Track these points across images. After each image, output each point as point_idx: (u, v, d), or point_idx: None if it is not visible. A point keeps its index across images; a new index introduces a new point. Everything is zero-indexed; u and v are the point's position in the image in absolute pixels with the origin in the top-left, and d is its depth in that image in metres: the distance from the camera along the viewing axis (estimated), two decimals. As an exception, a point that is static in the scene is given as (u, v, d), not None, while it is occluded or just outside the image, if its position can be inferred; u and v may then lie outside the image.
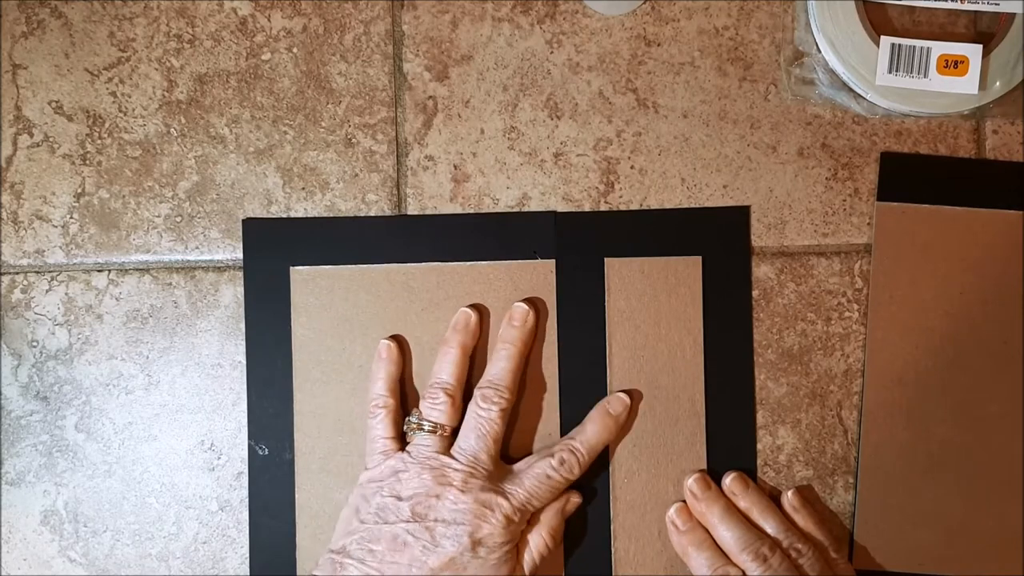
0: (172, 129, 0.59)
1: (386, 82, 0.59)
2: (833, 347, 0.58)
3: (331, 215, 0.58)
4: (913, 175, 0.58)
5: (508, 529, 0.52)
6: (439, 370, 0.55)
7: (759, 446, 0.58)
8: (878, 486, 0.57)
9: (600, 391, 0.57)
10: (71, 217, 0.59)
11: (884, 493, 0.57)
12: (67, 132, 0.59)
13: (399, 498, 0.52)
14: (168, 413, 0.58)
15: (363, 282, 0.58)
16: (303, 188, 0.59)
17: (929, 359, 0.57)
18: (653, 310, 0.57)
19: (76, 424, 0.58)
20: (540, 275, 0.58)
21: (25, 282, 0.59)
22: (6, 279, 0.59)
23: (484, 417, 0.53)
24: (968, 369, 0.57)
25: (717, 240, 0.58)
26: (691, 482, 0.56)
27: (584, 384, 0.57)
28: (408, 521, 0.51)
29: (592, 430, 0.55)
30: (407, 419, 0.55)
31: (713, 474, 0.57)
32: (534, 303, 0.57)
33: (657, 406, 0.57)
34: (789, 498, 0.56)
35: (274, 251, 0.58)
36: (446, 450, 0.53)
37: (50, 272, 0.59)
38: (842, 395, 0.58)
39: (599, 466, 0.57)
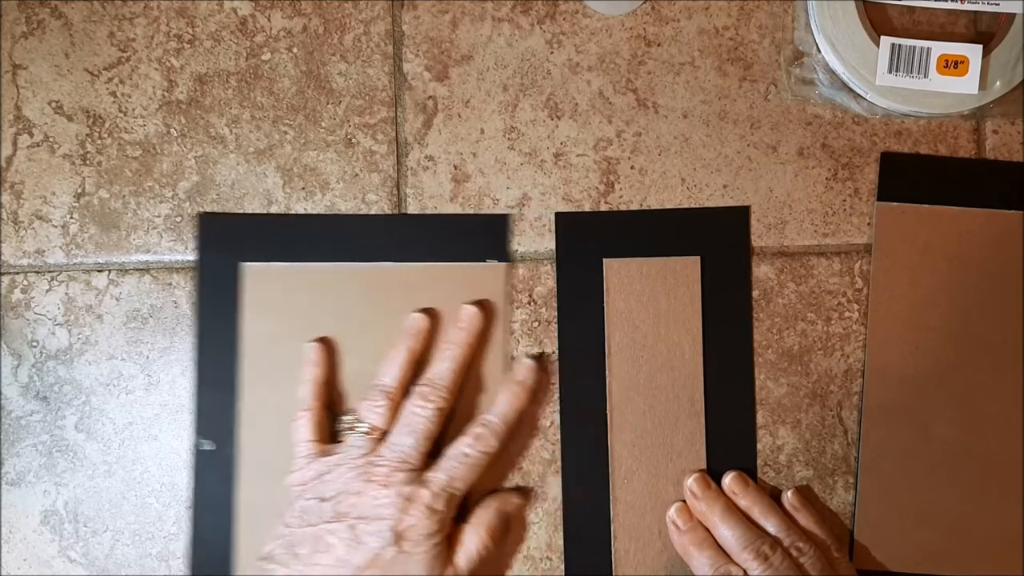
0: (172, 129, 0.59)
1: (386, 82, 0.59)
2: (833, 347, 0.58)
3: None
4: (913, 175, 0.58)
5: (432, 519, 0.51)
6: (383, 372, 0.55)
7: (759, 446, 0.58)
8: (878, 486, 0.57)
9: (600, 391, 0.57)
10: (71, 217, 0.59)
11: (884, 493, 0.57)
12: (67, 132, 0.59)
13: (322, 499, 0.52)
14: (168, 413, 0.58)
15: (314, 280, 0.58)
16: (303, 188, 0.59)
17: (929, 359, 0.57)
18: (652, 310, 0.57)
19: (76, 424, 0.58)
20: (491, 278, 0.58)
21: (25, 282, 0.59)
22: (6, 279, 0.59)
23: (419, 415, 0.53)
24: (968, 369, 0.57)
25: (717, 240, 0.58)
26: (691, 481, 0.56)
27: (584, 384, 0.57)
28: (330, 521, 0.51)
29: (502, 399, 0.55)
30: (341, 418, 0.55)
31: (713, 474, 0.57)
32: (484, 306, 0.57)
33: (657, 406, 0.57)
34: (789, 497, 0.56)
35: (227, 246, 0.58)
36: (375, 451, 0.53)
37: (50, 272, 0.59)
38: (842, 395, 0.58)
39: (599, 464, 0.57)
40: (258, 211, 0.58)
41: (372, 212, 0.58)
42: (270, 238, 0.58)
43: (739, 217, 0.58)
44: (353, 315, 0.57)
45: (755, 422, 0.58)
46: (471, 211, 0.58)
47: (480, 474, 0.54)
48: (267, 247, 0.58)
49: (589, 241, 0.58)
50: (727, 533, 0.54)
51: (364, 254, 0.58)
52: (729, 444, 0.57)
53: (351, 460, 0.53)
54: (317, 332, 0.57)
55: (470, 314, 0.56)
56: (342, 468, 0.52)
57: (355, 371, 0.57)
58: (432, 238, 0.58)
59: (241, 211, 0.58)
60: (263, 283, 0.57)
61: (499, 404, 0.55)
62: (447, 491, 0.52)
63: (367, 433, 0.53)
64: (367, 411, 0.54)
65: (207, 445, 0.57)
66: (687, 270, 0.57)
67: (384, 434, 0.54)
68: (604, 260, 0.57)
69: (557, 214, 0.58)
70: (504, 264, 0.58)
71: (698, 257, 0.57)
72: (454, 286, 0.57)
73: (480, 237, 0.58)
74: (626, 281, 0.57)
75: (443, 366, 0.55)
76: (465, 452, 0.53)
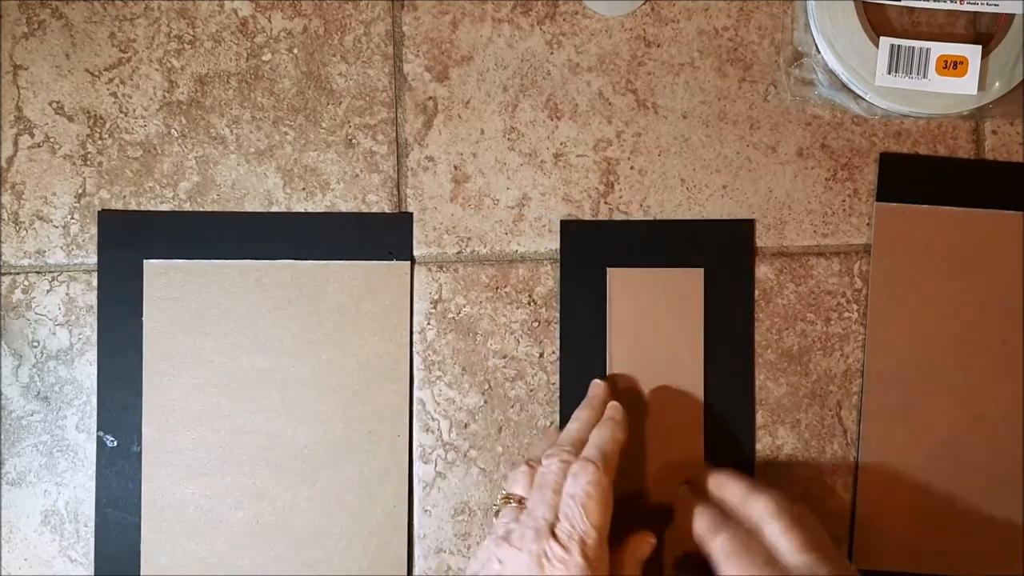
0: (173, 130, 0.59)
1: (386, 83, 0.59)
2: (833, 347, 0.58)
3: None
4: (912, 175, 0.58)
5: (571, 567, 0.48)
6: (532, 449, 0.55)
7: (759, 446, 0.58)
8: (878, 486, 0.57)
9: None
10: (72, 217, 0.59)
11: (884, 493, 0.57)
12: (68, 132, 0.59)
13: None
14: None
15: (216, 278, 0.58)
16: (303, 189, 0.59)
17: (929, 359, 0.57)
18: (654, 321, 0.57)
19: (77, 424, 0.58)
20: (395, 276, 0.58)
21: (26, 282, 0.59)
22: (7, 279, 0.59)
23: (545, 471, 0.51)
24: (968, 369, 0.57)
25: (721, 251, 0.57)
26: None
27: (585, 390, 0.57)
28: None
29: (596, 435, 0.53)
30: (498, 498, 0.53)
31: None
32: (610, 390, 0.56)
33: (656, 414, 0.57)
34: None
35: (129, 243, 0.58)
36: (517, 519, 0.51)
37: (51, 272, 0.59)
38: (842, 395, 0.58)
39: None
40: (258, 210, 0.58)
41: (373, 212, 0.58)
42: (172, 235, 0.58)
43: (744, 229, 0.58)
44: (255, 312, 0.58)
45: (754, 431, 0.58)
46: (471, 212, 0.58)
47: (606, 507, 0.50)
48: (170, 244, 0.58)
49: (593, 248, 0.58)
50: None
51: (265, 251, 0.58)
52: (728, 454, 0.57)
53: (495, 532, 0.51)
54: (218, 330, 0.58)
55: (613, 409, 0.54)
56: (487, 541, 0.51)
57: (255, 367, 0.58)
58: (334, 236, 0.58)
59: (237, 211, 0.58)
60: (165, 280, 0.58)
61: (594, 439, 0.53)
62: (575, 536, 0.49)
63: (518, 504, 0.52)
64: (511, 482, 0.53)
65: (110, 441, 0.57)
66: (690, 282, 0.57)
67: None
68: (608, 269, 0.57)
69: (562, 221, 0.58)
70: (408, 262, 0.58)
71: (701, 269, 0.57)
72: (358, 283, 0.58)
73: (383, 236, 0.58)
74: (629, 291, 0.57)
75: (572, 426, 0.54)
76: (571, 493, 0.50)
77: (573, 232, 0.58)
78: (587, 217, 0.58)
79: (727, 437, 0.57)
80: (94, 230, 0.59)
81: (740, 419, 0.57)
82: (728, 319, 0.57)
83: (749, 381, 0.58)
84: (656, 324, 0.57)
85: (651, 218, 0.58)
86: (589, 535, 0.48)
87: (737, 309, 0.58)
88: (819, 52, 0.58)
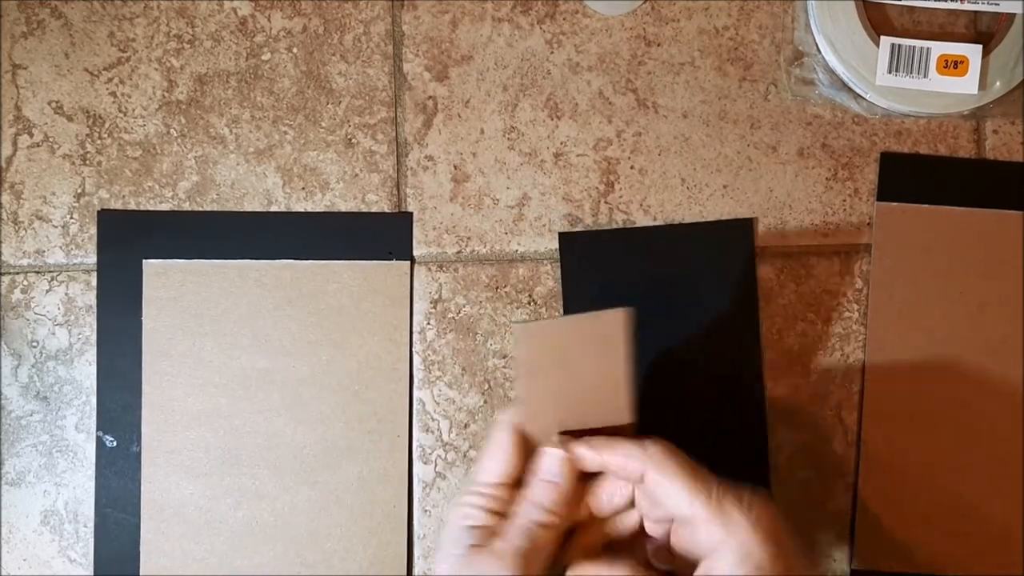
0: (172, 129, 0.59)
1: (386, 82, 0.59)
2: (833, 347, 0.58)
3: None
4: (913, 175, 0.58)
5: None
6: None
7: (759, 446, 0.58)
8: (878, 486, 0.57)
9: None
10: (71, 217, 0.59)
11: (884, 493, 0.57)
12: (67, 132, 0.59)
13: None
14: (168, 413, 0.58)
15: (215, 277, 0.58)
16: (303, 188, 0.59)
17: (929, 359, 0.57)
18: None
19: (76, 424, 0.58)
20: (395, 276, 0.58)
21: (25, 282, 0.59)
22: (6, 279, 0.59)
23: None
24: (968, 369, 0.57)
25: (722, 252, 0.57)
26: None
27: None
28: None
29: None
30: None
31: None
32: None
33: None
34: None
35: (128, 243, 0.58)
36: None
37: (50, 272, 0.59)
38: (842, 395, 0.58)
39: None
40: (257, 210, 0.58)
41: (372, 211, 0.58)
42: (172, 235, 0.58)
43: (743, 229, 0.58)
44: (254, 312, 0.58)
45: (766, 432, 0.57)
46: (471, 211, 0.58)
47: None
48: (169, 244, 0.58)
49: (591, 254, 0.58)
50: None
51: (265, 251, 0.58)
52: (740, 456, 0.57)
53: None
54: (217, 330, 0.58)
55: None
56: None
57: (255, 367, 0.57)
58: (334, 236, 0.58)
59: (237, 210, 0.58)
60: (164, 280, 0.58)
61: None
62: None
63: None
64: None
65: (109, 441, 0.57)
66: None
67: None
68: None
69: (561, 234, 0.58)
70: (407, 262, 0.58)
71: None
72: (358, 283, 0.58)
73: (383, 235, 0.58)
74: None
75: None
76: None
77: (573, 242, 0.58)
78: (587, 216, 0.58)
79: (738, 439, 0.57)
80: (93, 230, 0.58)
81: (750, 421, 0.57)
82: (733, 320, 0.57)
83: (759, 382, 0.57)
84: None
85: (651, 217, 0.58)
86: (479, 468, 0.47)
87: (742, 310, 0.57)
88: (819, 51, 0.58)
